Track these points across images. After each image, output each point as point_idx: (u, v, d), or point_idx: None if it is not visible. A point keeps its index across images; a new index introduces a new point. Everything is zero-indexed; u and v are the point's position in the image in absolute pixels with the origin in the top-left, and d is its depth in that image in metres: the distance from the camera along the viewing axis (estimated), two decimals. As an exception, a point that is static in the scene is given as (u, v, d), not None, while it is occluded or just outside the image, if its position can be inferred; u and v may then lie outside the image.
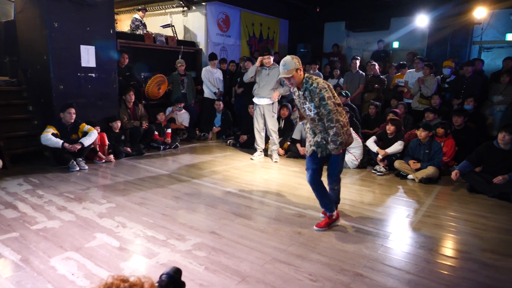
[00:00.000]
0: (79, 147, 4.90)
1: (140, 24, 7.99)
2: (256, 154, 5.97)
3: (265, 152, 6.18)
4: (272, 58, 5.55)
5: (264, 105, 5.67)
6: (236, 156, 6.13)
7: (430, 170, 4.75)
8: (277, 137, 5.87)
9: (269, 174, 5.09)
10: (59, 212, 3.42)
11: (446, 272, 2.56)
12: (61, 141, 4.81)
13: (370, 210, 3.75)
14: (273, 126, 5.74)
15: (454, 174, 4.43)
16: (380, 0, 8.70)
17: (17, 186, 4.15)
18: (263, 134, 5.92)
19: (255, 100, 5.80)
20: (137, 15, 8.07)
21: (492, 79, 6.76)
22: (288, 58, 3.04)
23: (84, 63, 5.52)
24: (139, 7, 8.30)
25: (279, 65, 3.25)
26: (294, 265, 2.59)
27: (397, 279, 2.45)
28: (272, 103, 5.67)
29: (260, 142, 5.96)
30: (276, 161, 5.75)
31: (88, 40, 5.52)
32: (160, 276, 1.03)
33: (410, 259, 2.74)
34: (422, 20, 8.81)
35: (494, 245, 3.01)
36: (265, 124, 5.83)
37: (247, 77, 5.70)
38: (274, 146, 5.85)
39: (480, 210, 3.84)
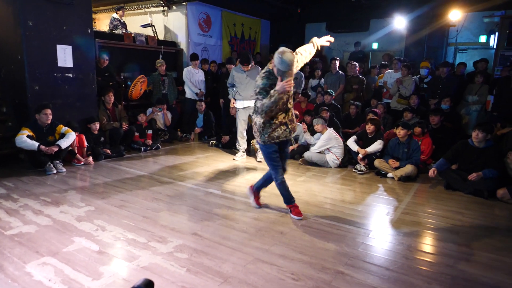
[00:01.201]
0: (56, 149, 4.77)
1: (119, 24, 7.85)
2: (238, 155, 5.96)
3: (247, 152, 6.18)
4: (250, 66, 5.52)
5: (248, 107, 5.61)
6: (218, 157, 6.10)
7: (408, 168, 4.86)
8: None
9: (251, 175, 5.09)
10: (35, 217, 3.32)
11: (424, 268, 2.63)
12: (37, 143, 4.66)
13: (351, 209, 3.81)
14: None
15: (431, 172, 4.55)
16: (360, 2, 8.85)
17: (-10, 190, 4.00)
18: (245, 135, 5.92)
19: (237, 104, 5.74)
20: (116, 15, 7.93)
21: (468, 80, 6.99)
22: (289, 55, 3.01)
23: (60, 63, 5.38)
24: (118, 6, 8.15)
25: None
26: (277, 264, 2.60)
27: (377, 275, 2.50)
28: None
29: (242, 143, 5.95)
30: (260, 161, 5.75)
31: (64, 40, 5.38)
32: None
33: (389, 256, 2.80)
34: (400, 22, 9.02)
35: (469, 240, 3.11)
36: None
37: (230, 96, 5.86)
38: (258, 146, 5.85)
39: (456, 207, 3.96)
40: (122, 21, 7.96)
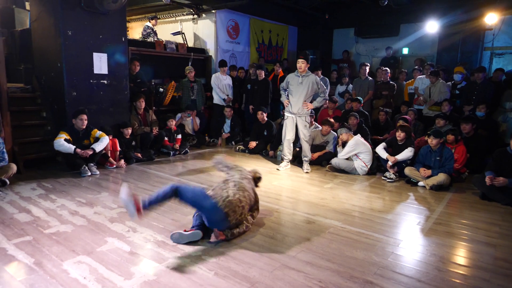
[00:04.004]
0: (90, 152, 4.97)
1: (151, 32, 8.13)
2: (282, 164, 5.69)
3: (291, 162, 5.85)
4: (305, 65, 5.27)
5: (297, 114, 5.45)
6: (245, 162, 6.14)
7: (441, 177, 4.69)
8: (309, 147, 5.68)
9: (278, 180, 5.09)
10: (71, 217, 3.48)
11: (458, 281, 2.53)
12: (73, 147, 4.89)
13: (380, 217, 3.73)
14: (305, 137, 5.54)
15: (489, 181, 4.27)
16: (389, 7, 8.69)
17: (30, 191, 4.23)
18: (291, 145, 5.68)
19: (287, 112, 5.55)
20: (149, 23, 8.22)
21: (506, 85, 6.69)
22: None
23: (96, 70, 5.63)
24: (151, 16, 8.45)
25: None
26: (304, 271, 2.59)
27: (408, 287, 2.43)
28: (305, 113, 5.50)
29: (287, 153, 5.68)
30: (307, 172, 5.53)
31: (100, 48, 5.63)
32: None
33: (421, 267, 2.71)
34: (432, 26, 8.79)
35: (507, 254, 2.96)
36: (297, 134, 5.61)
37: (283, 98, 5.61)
38: (305, 158, 5.65)
39: (493, 218, 3.78)
40: (154, 29, 8.25)
